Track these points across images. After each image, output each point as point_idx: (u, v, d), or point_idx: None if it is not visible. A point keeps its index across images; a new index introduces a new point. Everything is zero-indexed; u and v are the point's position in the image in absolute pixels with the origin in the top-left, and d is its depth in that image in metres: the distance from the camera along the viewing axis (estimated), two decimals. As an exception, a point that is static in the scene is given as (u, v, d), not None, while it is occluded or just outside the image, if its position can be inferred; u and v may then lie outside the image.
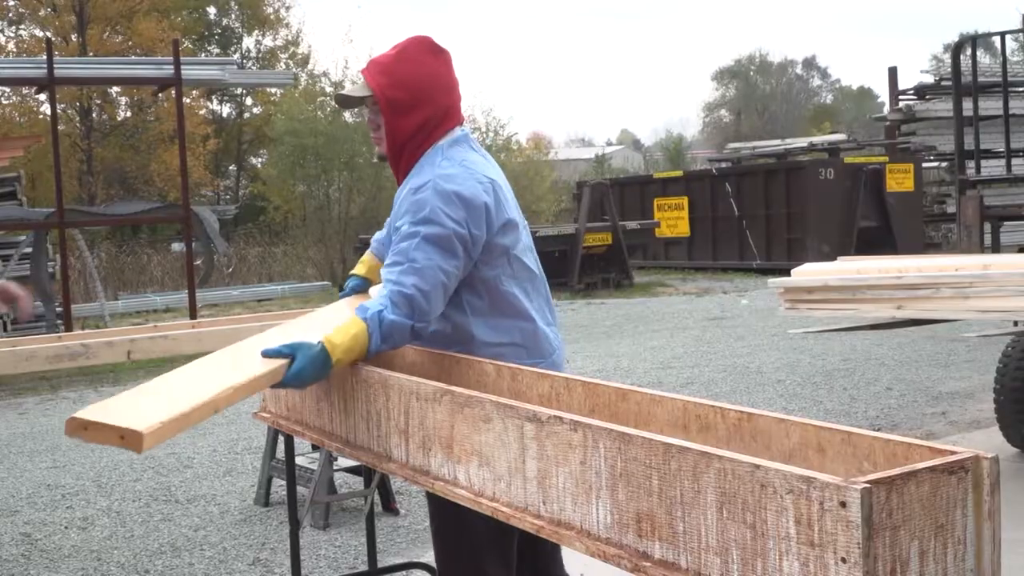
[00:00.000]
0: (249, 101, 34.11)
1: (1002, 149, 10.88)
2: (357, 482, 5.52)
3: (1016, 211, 10.17)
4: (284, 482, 4.58)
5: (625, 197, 22.96)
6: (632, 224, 19.57)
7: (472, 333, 2.79)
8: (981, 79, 11.34)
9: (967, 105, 9.93)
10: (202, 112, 30.43)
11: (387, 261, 2.70)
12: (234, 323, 6.46)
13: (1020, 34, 14.72)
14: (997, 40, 12.80)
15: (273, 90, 29.20)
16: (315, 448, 5.17)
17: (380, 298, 2.62)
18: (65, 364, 5.38)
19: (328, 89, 27.29)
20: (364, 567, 4.10)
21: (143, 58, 21.10)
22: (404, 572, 4.15)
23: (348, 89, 2.89)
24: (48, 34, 23.06)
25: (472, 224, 2.69)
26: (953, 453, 1.60)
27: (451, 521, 2.75)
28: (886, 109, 24.33)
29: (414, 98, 2.78)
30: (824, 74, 62.86)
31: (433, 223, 2.64)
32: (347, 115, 26.91)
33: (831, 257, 10.75)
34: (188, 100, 25.75)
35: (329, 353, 2.49)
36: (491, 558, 2.81)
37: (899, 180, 20.22)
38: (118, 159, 28.04)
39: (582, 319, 14.25)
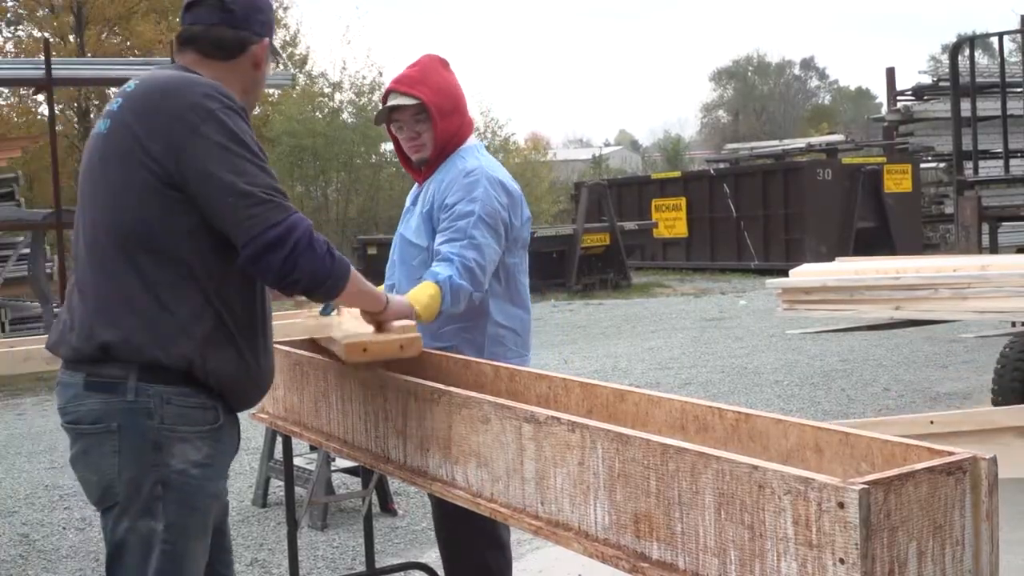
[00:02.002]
0: (247, 102, 34.08)
1: (1000, 150, 10.88)
2: (355, 483, 5.52)
3: (1014, 212, 10.15)
4: (282, 483, 4.58)
5: (623, 198, 22.95)
6: (630, 225, 19.57)
7: (488, 310, 3.06)
8: (979, 80, 11.34)
9: (965, 106, 9.92)
10: (200, 113, 30.38)
11: (443, 236, 2.95)
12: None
13: (1018, 35, 14.73)
14: (995, 41, 12.80)
15: (271, 91, 29.16)
16: (313, 449, 5.17)
17: (445, 265, 2.87)
18: (63, 365, 5.37)
19: (327, 90, 27.33)
20: (362, 568, 4.10)
21: (141, 59, 21.08)
22: (402, 573, 4.15)
23: (397, 101, 3.06)
24: (46, 35, 23.01)
25: (512, 212, 3.03)
26: (951, 454, 1.60)
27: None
28: (884, 110, 24.32)
29: (453, 104, 3.09)
30: (822, 75, 62.92)
31: (486, 204, 2.96)
32: (345, 116, 26.92)
33: (829, 258, 10.75)
34: (186, 101, 25.66)
35: (414, 307, 2.75)
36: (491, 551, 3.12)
37: (897, 181, 20.23)
38: (116, 160, 27.86)
39: (580, 320, 14.25)
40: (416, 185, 3.27)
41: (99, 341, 2.17)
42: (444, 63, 3.15)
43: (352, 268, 2.33)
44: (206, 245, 2.19)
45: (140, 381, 2.16)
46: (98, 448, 2.19)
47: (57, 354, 2.30)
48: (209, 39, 2.37)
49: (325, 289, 2.27)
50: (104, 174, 2.23)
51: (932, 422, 4.16)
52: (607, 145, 63.15)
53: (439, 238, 2.98)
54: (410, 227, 3.16)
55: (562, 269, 17.62)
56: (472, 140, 3.20)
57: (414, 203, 3.21)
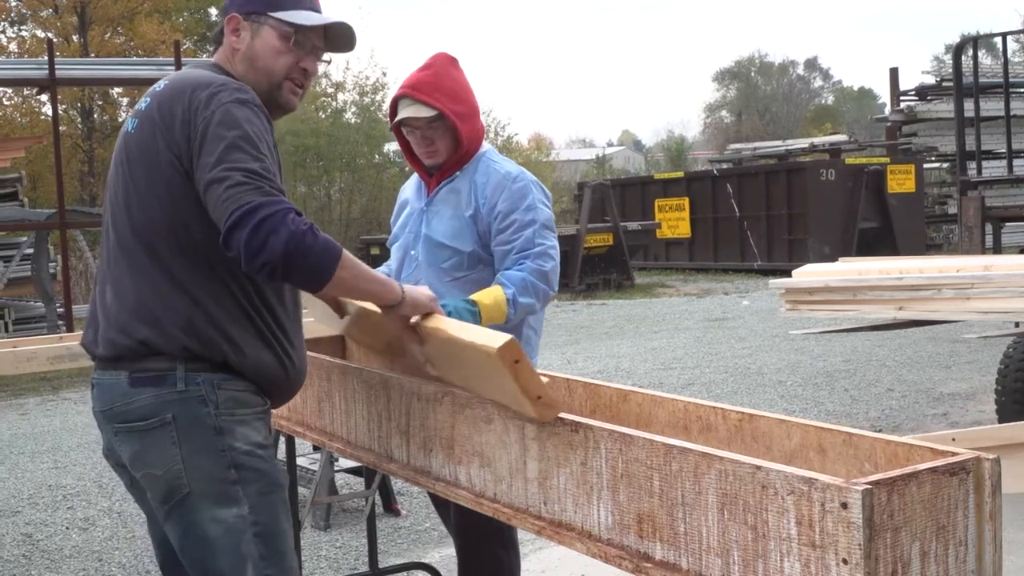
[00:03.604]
0: (250, 102, 34.06)
1: (1003, 150, 10.86)
2: (358, 483, 5.52)
3: (1017, 212, 10.12)
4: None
5: (626, 198, 22.95)
6: (633, 225, 19.56)
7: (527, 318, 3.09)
8: (982, 80, 11.32)
9: (968, 106, 9.91)
10: (203, 113, 30.35)
11: (510, 247, 2.97)
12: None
13: (1021, 35, 14.71)
14: (998, 41, 12.78)
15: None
16: (316, 449, 5.17)
17: (517, 272, 2.92)
18: (66, 365, 5.38)
19: (330, 90, 27.35)
20: (365, 568, 4.10)
21: (144, 59, 21.09)
22: (405, 573, 4.15)
23: (411, 111, 3.00)
24: (50, 35, 23.05)
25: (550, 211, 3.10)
26: (955, 454, 1.60)
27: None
28: (887, 110, 24.33)
29: (470, 107, 3.07)
30: (826, 75, 62.87)
31: (542, 209, 3.03)
32: (348, 116, 26.93)
33: (832, 258, 10.74)
34: (189, 101, 25.65)
35: (479, 310, 2.80)
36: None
37: (900, 181, 20.21)
38: (119, 160, 27.85)
39: (583, 320, 14.25)
40: (418, 183, 3.23)
41: (138, 338, 2.15)
42: (454, 62, 3.11)
43: (346, 252, 2.12)
44: None
45: (188, 371, 2.14)
46: (156, 443, 2.14)
47: (93, 353, 2.26)
48: (217, 29, 2.42)
49: (307, 271, 2.04)
50: (131, 173, 2.22)
51: (954, 439, 4.17)
52: (610, 145, 63.20)
53: (502, 248, 2.98)
54: (436, 228, 3.08)
55: (565, 269, 17.60)
56: (490, 144, 3.20)
57: (429, 203, 3.12)
